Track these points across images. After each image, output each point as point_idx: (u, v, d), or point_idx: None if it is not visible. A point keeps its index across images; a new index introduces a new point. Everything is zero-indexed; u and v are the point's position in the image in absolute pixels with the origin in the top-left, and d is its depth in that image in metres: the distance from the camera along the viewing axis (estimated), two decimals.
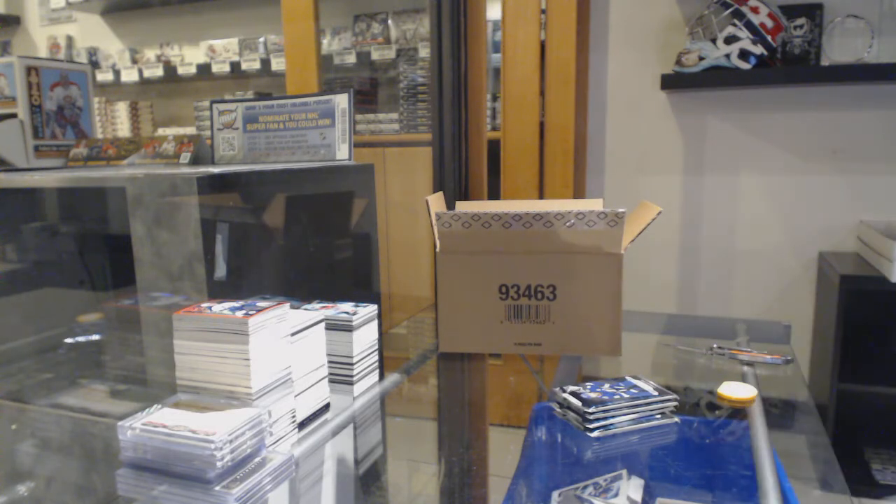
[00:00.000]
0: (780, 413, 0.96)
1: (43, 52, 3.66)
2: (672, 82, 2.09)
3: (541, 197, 2.24)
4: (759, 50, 1.94)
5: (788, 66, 2.07)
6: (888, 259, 1.74)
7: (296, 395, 0.83)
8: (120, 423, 0.69)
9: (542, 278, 1.05)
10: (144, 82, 3.35)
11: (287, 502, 0.74)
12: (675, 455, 0.86)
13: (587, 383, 0.93)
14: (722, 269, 2.26)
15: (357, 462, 0.88)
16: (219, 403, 0.74)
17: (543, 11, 2.17)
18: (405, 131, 2.66)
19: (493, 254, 1.05)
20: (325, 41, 2.95)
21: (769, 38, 1.93)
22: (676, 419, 0.88)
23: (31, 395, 1.10)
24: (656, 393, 0.89)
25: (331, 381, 0.93)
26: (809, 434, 0.93)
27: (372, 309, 1.00)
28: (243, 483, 0.67)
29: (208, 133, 1.37)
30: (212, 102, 1.35)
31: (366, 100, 2.86)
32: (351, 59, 2.82)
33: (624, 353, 1.06)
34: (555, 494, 0.75)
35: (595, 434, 0.85)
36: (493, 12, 2.30)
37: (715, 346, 1.17)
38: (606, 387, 0.93)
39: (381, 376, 1.05)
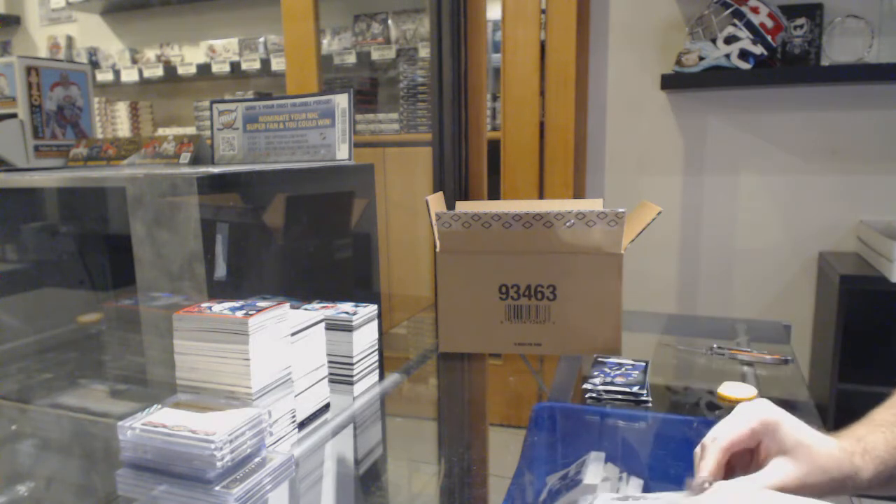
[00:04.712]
0: None
1: (43, 52, 3.66)
2: (672, 82, 2.09)
3: (541, 197, 2.24)
4: (759, 50, 1.94)
5: (788, 66, 2.07)
6: (888, 259, 1.74)
7: (296, 395, 0.83)
8: (120, 423, 0.69)
9: (542, 278, 1.05)
10: (144, 82, 3.35)
11: (287, 502, 0.74)
12: (674, 455, 0.86)
13: None
14: (722, 269, 2.26)
15: (357, 462, 0.88)
16: (219, 403, 0.74)
17: (543, 11, 2.17)
18: (405, 131, 2.66)
19: (493, 254, 1.05)
20: (325, 41, 2.95)
21: (769, 38, 1.93)
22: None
23: (31, 395, 1.10)
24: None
25: (331, 381, 0.93)
26: None
27: (372, 309, 1.00)
28: (243, 483, 0.67)
29: (208, 133, 1.37)
30: (212, 102, 1.35)
31: (366, 100, 2.86)
32: (351, 59, 2.82)
33: (624, 353, 1.06)
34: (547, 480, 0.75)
35: None
36: (493, 12, 2.30)
37: (715, 346, 1.17)
38: None
39: (381, 376, 1.05)
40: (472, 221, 1.02)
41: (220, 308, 0.77)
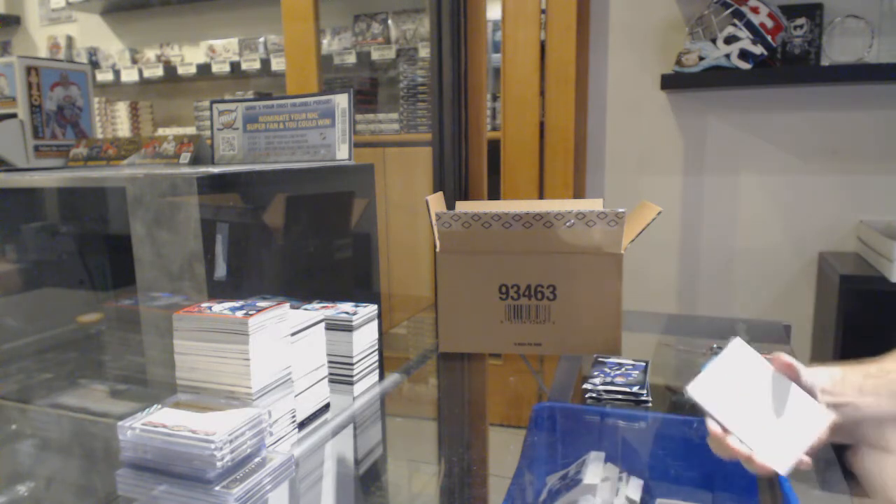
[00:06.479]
0: None
1: (43, 52, 3.66)
2: (672, 82, 2.09)
3: (541, 197, 2.24)
4: (759, 50, 1.94)
5: (788, 66, 2.07)
6: (888, 259, 1.74)
7: (296, 395, 0.83)
8: (120, 423, 0.69)
9: (542, 278, 1.05)
10: (144, 82, 3.35)
11: (287, 502, 0.74)
12: (674, 455, 0.86)
13: None
14: (722, 270, 2.26)
15: (357, 462, 0.89)
16: (219, 403, 0.74)
17: (543, 11, 2.17)
18: (405, 131, 2.66)
19: (493, 254, 1.05)
20: (325, 41, 2.95)
21: (769, 38, 1.93)
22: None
23: (31, 395, 1.10)
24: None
25: (331, 381, 0.93)
26: None
27: (372, 309, 1.00)
28: (243, 483, 0.67)
29: (208, 133, 1.37)
30: (212, 102, 1.35)
31: (366, 100, 2.86)
32: (351, 59, 2.82)
33: (624, 353, 1.06)
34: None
35: None
36: (493, 12, 2.30)
37: (715, 346, 1.17)
38: None
39: (381, 376, 1.05)
40: (472, 221, 1.02)
41: (220, 308, 0.77)
